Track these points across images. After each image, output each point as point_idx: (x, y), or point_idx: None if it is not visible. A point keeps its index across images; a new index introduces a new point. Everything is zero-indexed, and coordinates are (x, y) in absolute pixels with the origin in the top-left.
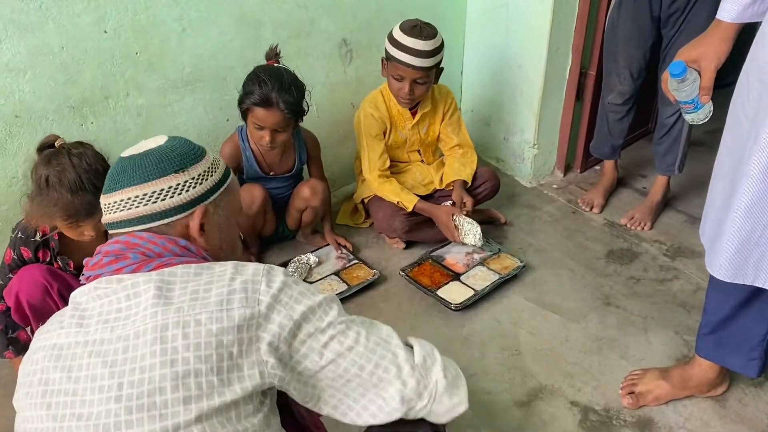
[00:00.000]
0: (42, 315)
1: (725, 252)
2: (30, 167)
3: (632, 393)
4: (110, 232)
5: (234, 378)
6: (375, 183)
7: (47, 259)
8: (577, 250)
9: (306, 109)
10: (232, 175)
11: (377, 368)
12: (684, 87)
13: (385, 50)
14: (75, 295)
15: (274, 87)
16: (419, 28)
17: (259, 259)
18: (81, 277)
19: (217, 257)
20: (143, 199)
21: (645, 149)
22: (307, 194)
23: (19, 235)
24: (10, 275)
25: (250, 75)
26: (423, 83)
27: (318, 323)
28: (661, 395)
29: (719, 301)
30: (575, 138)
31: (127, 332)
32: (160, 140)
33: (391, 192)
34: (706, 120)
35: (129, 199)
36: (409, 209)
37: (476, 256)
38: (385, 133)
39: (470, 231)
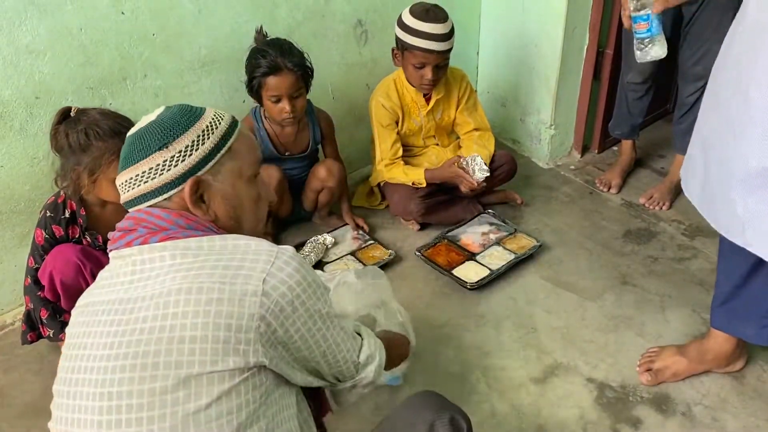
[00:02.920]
0: (73, 294)
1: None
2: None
3: (650, 370)
4: (125, 207)
5: (230, 350)
6: (383, 171)
7: (76, 236)
8: (594, 230)
9: (312, 70)
10: (234, 136)
11: (334, 357)
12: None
13: (399, 40)
14: (109, 264)
15: (276, 53)
16: (433, 12)
17: (276, 240)
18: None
19: (231, 228)
20: (139, 178)
21: (663, 129)
22: (323, 175)
23: (48, 214)
24: (45, 256)
25: (248, 56)
26: (444, 65)
27: (314, 312)
28: (679, 371)
29: (729, 270)
30: (593, 118)
31: (140, 294)
32: (155, 114)
33: (400, 174)
34: (662, 56)
35: (130, 179)
36: (424, 183)
37: (492, 236)
38: (397, 122)
39: (475, 166)
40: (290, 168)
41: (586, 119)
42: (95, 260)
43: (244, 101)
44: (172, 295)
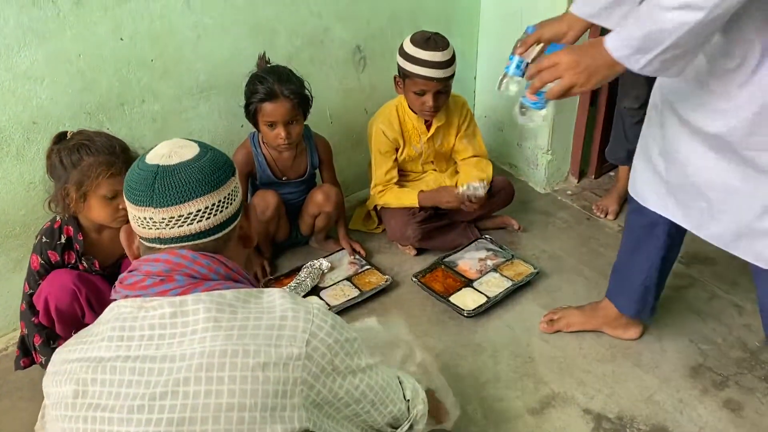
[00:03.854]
0: (67, 320)
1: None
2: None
3: (551, 321)
4: (149, 245)
5: (276, 417)
6: (376, 197)
7: (72, 261)
8: (592, 256)
9: (311, 98)
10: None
11: (384, 404)
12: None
13: (400, 68)
14: (119, 310)
15: (274, 80)
16: (433, 40)
17: (272, 265)
18: (114, 293)
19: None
20: (204, 212)
21: None
22: (320, 200)
23: (44, 239)
24: (40, 281)
25: (248, 81)
26: (445, 92)
27: (355, 367)
28: (572, 322)
29: (623, 244)
30: (589, 144)
31: (173, 352)
32: (191, 147)
33: (392, 199)
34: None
35: (190, 214)
36: (417, 205)
37: (489, 262)
38: (397, 150)
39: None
40: (288, 192)
41: (582, 145)
42: (91, 286)
43: (242, 126)
44: (215, 357)
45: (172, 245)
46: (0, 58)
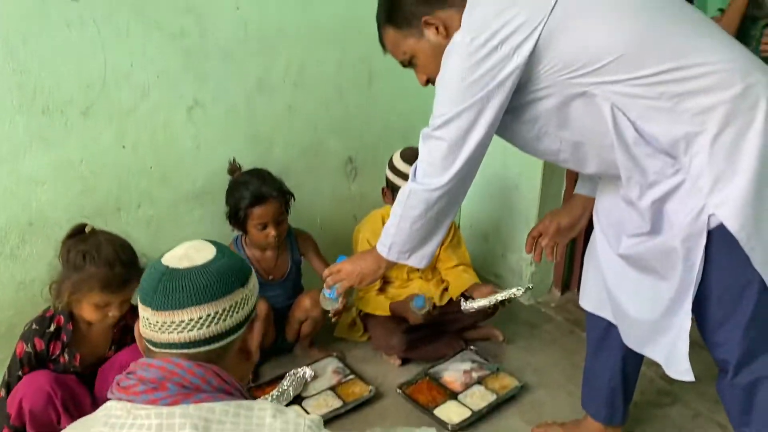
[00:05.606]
0: (40, 424)
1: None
2: (51, 269)
3: None
4: (148, 345)
5: None
6: (357, 302)
7: (56, 353)
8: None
9: (291, 194)
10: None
11: None
12: None
13: (390, 181)
14: (111, 412)
15: (260, 183)
16: None
17: (256, 371)
18: (109, 392)
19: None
20: (199, 321)
21: None
22: (307, 305)
23: (34, 326)
24: (20, 373)
25: (230, 189)
26: None
27: None
28: None
29: (587, 348)
30: (571, 257)
31: None
32: (207, 251)
33: (368, 308)
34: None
35: (182, 322)
36: (389, 314)
37: (474, 375)
38: None
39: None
40: (274, 295)
41: (565, 258)
42: (67, 389)
43: (233, 230)
44: None
45: (165, 350)
46: (6, 162)
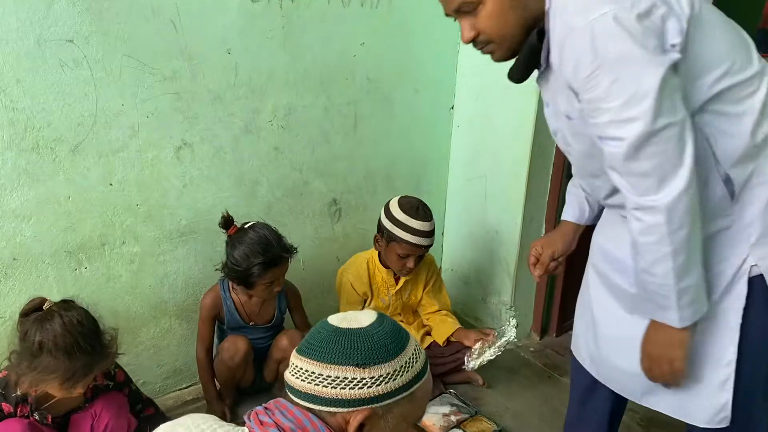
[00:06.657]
0: None
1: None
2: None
3: None
4: (288, 391)
5: None
6: None
7: (26, 413)
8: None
9: (294, 248)
10: (422, 380)
11: None
12: None
13: (387, 231)
14: None
15: (271, 245)
16: (422, 210)
17: (233, 411)
18: (246, 417)
19: None
20: (322, 378)
21: None
22: (284, 345)
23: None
24: None
25: (234, 247)
26: (423, 254)
27: None
28: None
29: (571, 398)
30: (550, 303)
31: None
32: (366, 321)
33: None
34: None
35: (312, 372)
36: None
37: (453, 418)
38: (365, 301)
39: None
40: (256, 338)
41: (543, 303)
42: None
43: (216, 270)
44: None
45: (306, 402)
46: None
